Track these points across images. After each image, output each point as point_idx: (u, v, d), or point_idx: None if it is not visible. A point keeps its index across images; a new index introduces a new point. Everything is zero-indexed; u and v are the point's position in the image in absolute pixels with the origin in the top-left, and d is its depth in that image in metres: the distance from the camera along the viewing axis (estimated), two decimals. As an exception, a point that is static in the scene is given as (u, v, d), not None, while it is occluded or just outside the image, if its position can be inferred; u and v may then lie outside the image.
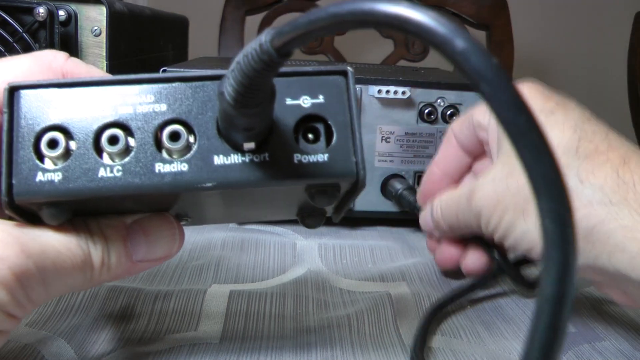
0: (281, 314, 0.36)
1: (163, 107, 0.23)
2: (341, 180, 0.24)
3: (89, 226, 0.25)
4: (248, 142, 0.23)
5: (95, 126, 0.23)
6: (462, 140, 0.42)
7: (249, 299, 0.38)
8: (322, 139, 0.24)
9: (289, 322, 0.35)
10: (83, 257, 0.24)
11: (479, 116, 0.40)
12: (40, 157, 0.23)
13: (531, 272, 0.42)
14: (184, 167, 0.23)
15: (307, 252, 0.47)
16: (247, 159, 0.23)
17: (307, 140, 0.24)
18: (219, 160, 0.23)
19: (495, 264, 0.40)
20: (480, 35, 1.16)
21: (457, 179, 0.42)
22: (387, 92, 0.49)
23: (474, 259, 0.40)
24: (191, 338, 0.33)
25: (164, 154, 0.23)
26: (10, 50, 0.49)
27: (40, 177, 0.23)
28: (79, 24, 0.54)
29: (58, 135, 0.23)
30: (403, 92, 0.49)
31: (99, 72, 0.28)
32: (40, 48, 0.50)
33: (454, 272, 0.43)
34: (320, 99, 0.24)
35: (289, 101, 0.24)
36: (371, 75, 0.51)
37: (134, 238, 0.25)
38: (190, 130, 0.23)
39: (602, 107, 1.89)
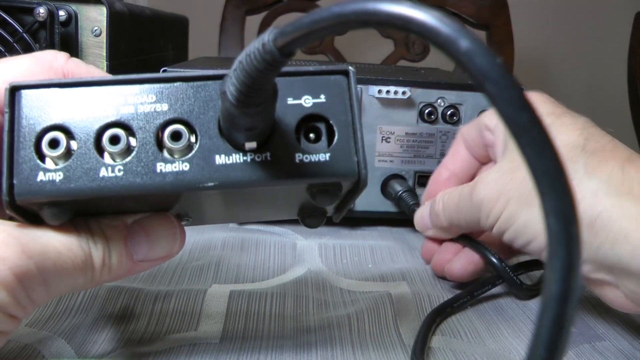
0: (281, 314, 0.36)
1: (164, 106, 0.23)
2: (343, 179, 0.24)
3: (89, 226, 0.25)
4: (250, 142, 0.23)
5: (97, 126, 0.23)
6: (470, 143, 0.42)
7: (249, 299, 0.38)
8: (324, 138, 0.24)
9: (289, 322, 0.35)
10: (84, 258, 0.24)
11: (487, 119, 0.41)
12: (42, 157, 0.23)
13: (529, 277, 0.42)
14: (185, 166, 0.23)
15: (307, 252, 0.47)
16: (248, 158, 0.23)
17: (308, 139, 0.24)
18: (220, 159, 0.23)
19: (493, 269, 0.40)
20: (480, 35, 1.16)
21: (464, 182, 0.42)
22: (388, 92, 0.49)
23: (459, 265, 0.41)
24: (191, 338, 0.33)
25: (166, 154, 0.23)
26: (11, 51, 0.49)
27: (41, 176, 0.23)
28: (79, 24, 0.54)
29: (59, 135, 0.23)
30: (403, 92, 0.49)
31: (100, 72, 0.28)
32: (41, 48, 0.50)
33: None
34: (322, 98, 0.24)
35: (290, 101, 0.24)
36: (371, 75, 0.51)
37: (135, 238, 0.25)
38: (191, 129, 0.23)
39: (602, 107, 1.89)
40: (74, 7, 0.53)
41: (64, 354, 0.31)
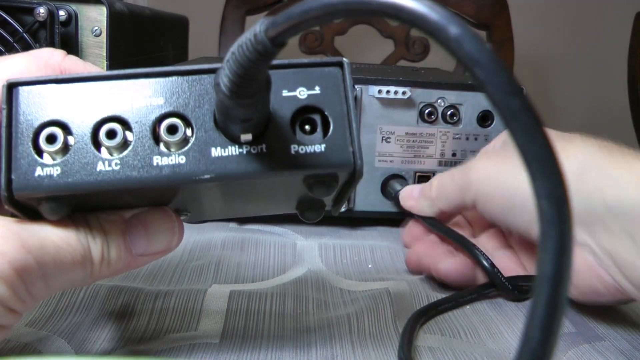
0: (281, 314, 0.36)
1: (160, 100, 0.24)
2: (339, 170, 0.24)
3: (88, 221, 0.25)
4: (245, 134, 0.23)
5: (93, 121, 0.23)
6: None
7: (249, 299, 0.38)
8: (319, 129, 0.24)
9: (289, 322, 0.35)
10: (83, 252, 0.24)
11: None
12: (39, 152, 0.23)
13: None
14: (181, 159, 0.23)
15: (307, 252, 0.47)
16: (244, 150, 0.23)
17: (304, 131, 0.24)
18: (216, 152, 0.23)
19: (484, 273, 0.40)
20: (481, 35, 1.16)
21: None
22: (388, 92, 0.49)
23: (448, 264, 0.41)
24: (191, 337, 0.33)
25: (162, 147, 0.23)
26: (11, 50, 0.49)
27: (39, 171, 0.23)
28: (79, 24, 0.54)
29: (56, 131, 0.23)
30: (403, 92, 0.49)
31: (97, 69, 0.28)
32: (41, 48, 0.50)
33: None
34: (317, 90, 0.24)
35: (285, 93, 0.24)
36: (371, 75, 0.51)
37: (134, 232, 0.25)
38: (187, 123, 0.23)
39: (602, 107, 1.89)
40: (74, 7, 0.53)
41: (64, 353, 0.31)
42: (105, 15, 0.54)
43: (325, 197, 0.27)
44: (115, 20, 0.55)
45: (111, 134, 0.23)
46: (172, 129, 0.23)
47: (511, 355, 0.33)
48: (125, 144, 0.23)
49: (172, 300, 0.37)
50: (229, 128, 0.23)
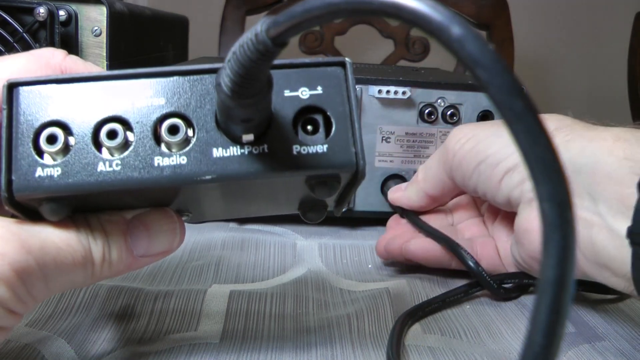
0: (281, 314, 0.36)
1: (161, 101, 0.23)
2: (341, 170, 0.24)
3: (89, 222, 0.25)
4: (247, 134, 0.23)
5: (94, 121, 0.23)
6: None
7: (249, 299, 0.38)
8: (321, 130, 0.24)
9: (289, 322, 0.35)
10: (83, 253, 0.24)
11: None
12: (40, 153, 0.23)
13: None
14: (183, 160, 0.23)
15: (307, 252, 0.47)
16: (245, 151, 0.23)
17: (306, 131, 0.24)
18: (217, 152, 0.23)
19: (470, 272, 0.40)
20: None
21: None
22: (388, 92, 0.49)
23: (417, 244, 0.42)
24: (191, 338, 0.33)
25: (163, 148, 0.23)
26: (11, 51, 0.49)
27: (39, 172, 0.23)
28: (79, 24, 0.54)
29: (57, 131, 0.23)
30: (403, 92, 0.49)
31: (98, 69, 0.28)
32: (41, 48, 0.50)
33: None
34: (319, 90, 0.24)
35: (287, 93, 0.24)
36: (371, 75, 0.51)
37: (135, 233, 0.25)
38: (188, 123, 0.23)
39: (602, 107, 1.89)
40: (74, 7, 0.53)
41: (64, 353, 0.31)
42: (105, 15, 0.54)
43: (328, 198, 0.27)
44: (115, 20, 0.55)
45: (112, 135, 0.23)
46: (173, 130, 0.23)
47: (511, 355, 0.33)
48: (126, 144, 0.23)
49: (172, 301, 0.37)
50: (231, 128, 0.23)
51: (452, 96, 0.50)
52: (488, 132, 0.39)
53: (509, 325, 0.37)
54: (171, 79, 0.24)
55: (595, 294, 0.40)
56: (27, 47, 0.49)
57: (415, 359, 0.32)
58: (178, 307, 0.36)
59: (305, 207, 0.28)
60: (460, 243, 0.41)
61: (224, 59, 0.20)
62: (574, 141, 0.34)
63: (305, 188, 0.24)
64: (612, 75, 1.64)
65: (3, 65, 0.26)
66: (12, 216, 0.24)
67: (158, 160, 0.23)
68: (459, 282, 0.41)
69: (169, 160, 0.23)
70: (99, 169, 0.23)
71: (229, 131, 0.23)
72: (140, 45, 0.65)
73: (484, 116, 0.51)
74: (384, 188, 0.51)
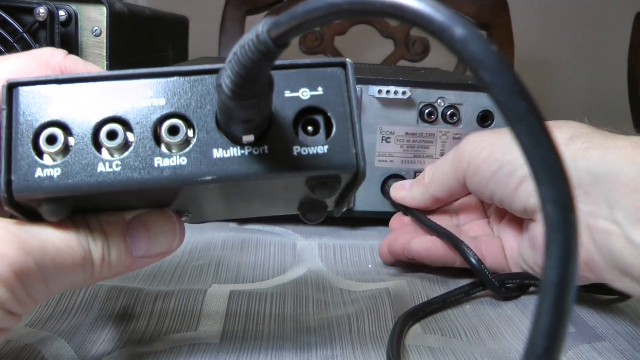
0: (281, 314, 0.36)
1: (161, 101, 0.23)
2: (341, 171, 0.24)
3: (88, 222, 0.25)
4: (247, 135, 0.23)
5: (94, 121, 0.23)
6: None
7: (249, 299, 0.38)
8: (322, 130, 0.24)
9: (289, 322, 0.35)
10: (83, 254, 0.24)
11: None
12: (39, 153, 0.23)
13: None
14: (183, 161, 0.23)
15: (307, 252, 0.47)
16: (246, 152, 0.23)
17: (306, 132, 0.24)
18: (218, 153, 0.23)
19: (472, 270, 0.40)
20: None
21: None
22: (387, 92, 0.49)
23: (420, 242, 0.42)
24: (191, 338, 0.33)
25: (163, 148, 0.23)
26: (11, 51, 0.49)
27: (39, 173, 0.22)
28: (79, 24, 0.54)
29: (57, 131, 0.23)
30: (403, 92, 0.49)
31: (98, 69, 0.28)
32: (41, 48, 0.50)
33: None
34: (320, 91, 0.24)
35: (287, 93, 0.24)
36: (371, 75, 0.51)
37: (134, 234, 0.25)
38: (189, 124, 0.23)
39: (602, 107, 1.88)
40: (74, 7, 0.53)
41: (64, 353, 0.31)
42: (105, 15, 0.54)
43: (328, 199, 0.27)
44: (115, 20, 0.55)
45: (112, 135, 0.23)
46: (173, 130, 0.23)
47: (511, 355, 0.33)
48: (126, 145, 0.23)
49: (172, 301, 0.37)
50: (231, 129, 0.23)
51: (452, 96, 0.50)
52: (504, 141, 0.39)
53: (509, 325, 0.37)
54: (171, 79, 0.24)
55: (596, 294, 0.40)
56: (27, 47, 0.49)
57: (415, 359, 0.32)
58: (178, 307, 0.36)
59: (305, 207, 0.28)
60: (464, 241, 0.41)
61: (224, 59, 0.20)
62: (592, 149, 0.34)
63: (305, 189, 0.24)
64: (612, 75, 1.64)
65: (3, 65, 0.26)
66: (11, 216, 0.24)
67: (158, 161, 0.23)
68: (460, 282, 0.41)
69: (169, 160, 0.23)
70: (98, 170, 0.23)
71: (229, 132, 0.23)
72: (140, 45, 0.65)
73: (484, 116, 0.51)
74: (384, 188, 0.51)
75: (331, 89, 0.24)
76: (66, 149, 0.23)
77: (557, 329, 0.14)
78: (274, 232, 0.50)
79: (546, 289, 0.14)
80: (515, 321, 0.37)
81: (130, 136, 0.23)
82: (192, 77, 0.24)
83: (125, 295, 0.37)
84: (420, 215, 0.45)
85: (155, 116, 0.23)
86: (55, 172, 0.23)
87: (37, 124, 0.23)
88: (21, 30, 0.49)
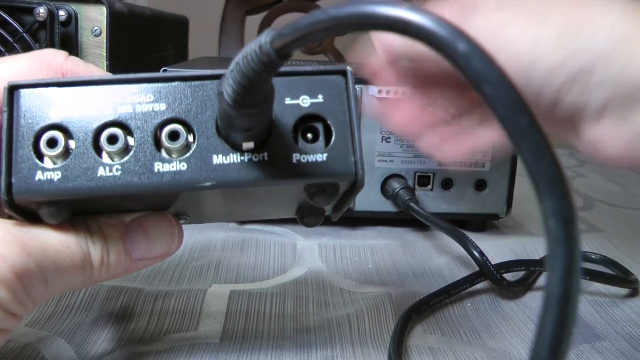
0: (281, 314, 0.36)
1: (162, 106, 0.23)
2: (340, 179, 0.24)
3: (88, 225, 0.25)
4: (247, 142, 0.23)
5: (95, 125, 0.23)
6: None
7: (249, 299, 0.38)
8: (321, 138, 0.24)
9: (289, 322, 0.35)
10: (82, 256, 0.24)
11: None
12: (40, 156, 0.23)
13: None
14: (183, 166, 0.23)
15: (308, 252, 0.47)
16: (245, 158, 0.23)
17: (306, 139, 0.24)
18: (217, 159, 0.23)
19: (475, 263, 0.41)
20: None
21: None
22: (388, 92, 0.49)
23: (403, 109, 0.35)
24: (191, 338, 0.33)
25: (163, 153, 0.23)
26: (11, 51, 0.49)
27: (39, 176, 0.23)
28: (79, 24, 0.54)
29: (57, 134, 0.23)
30: (403, 92, 0.49)
31: (99, 71, 0.28)
32: (41, 48, 0.50)
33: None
34: (320, 98, 0.24)
35: (288, 101, 0.24)
36: (371, 75, 0.50)
37: (133, 236, 0.25)
38: (189, 129, 0.23)
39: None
40: (74, 7, 0.53)
41: (64, 353, 0.31)
42: (105, 15, 0.54)
43: (326, 206, 0.27)
44: (115, 20, 0.55)
45: (112, 139, 0.23)
46: (173, 135, 0.23)
47: (512, 355, 0.33)
48: (126, 149, 0.23)
49: (172, 301, 0.37)
50: (231, 136, 0.23)
51: (452, 96, 0.50)
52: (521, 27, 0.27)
53: (509, 325, 0.37)
54: (172, 84, 0.24)
55: (600, 283, 0.41)
56: (27, 47, 0.49)
57: (415, 359, 0.32)
58: (178, 307, 0.36)
59: (302, 211, 0.28)
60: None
61: (224, 59, 0.20)
62: None
63: (303, 195, 0.24)
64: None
65: (4, 66, 0.26)
66: (9, 217, 0.24)
67: (158, 166, 0.23)
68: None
69: (169, 166, 0.23)
70: (98, 174, 0.23)
71: (229, 138, 0.23)
72: (140, 45, 0.65)
73: (484, 116, 0.51)
74: (384, 188, 0.51)
75: (331, 96, 0.24)
76: (67, 152, 0.23)
77: (561, 342, 0.14)
78: (274, 232, 0.51)
79: (549, 303, 0.14)
80: (515, 321, 0.37)
81: (131, 140, 0.23)
82: (194, 83, 0.24)
83: (125, 295, 0.37)
84: (421, 212, 0.45)
85: (156, 121, 0.23)
86: (56, 176, 0.23)
87: (38, 127, 0.23)
88: (21, 30, 0.49)
